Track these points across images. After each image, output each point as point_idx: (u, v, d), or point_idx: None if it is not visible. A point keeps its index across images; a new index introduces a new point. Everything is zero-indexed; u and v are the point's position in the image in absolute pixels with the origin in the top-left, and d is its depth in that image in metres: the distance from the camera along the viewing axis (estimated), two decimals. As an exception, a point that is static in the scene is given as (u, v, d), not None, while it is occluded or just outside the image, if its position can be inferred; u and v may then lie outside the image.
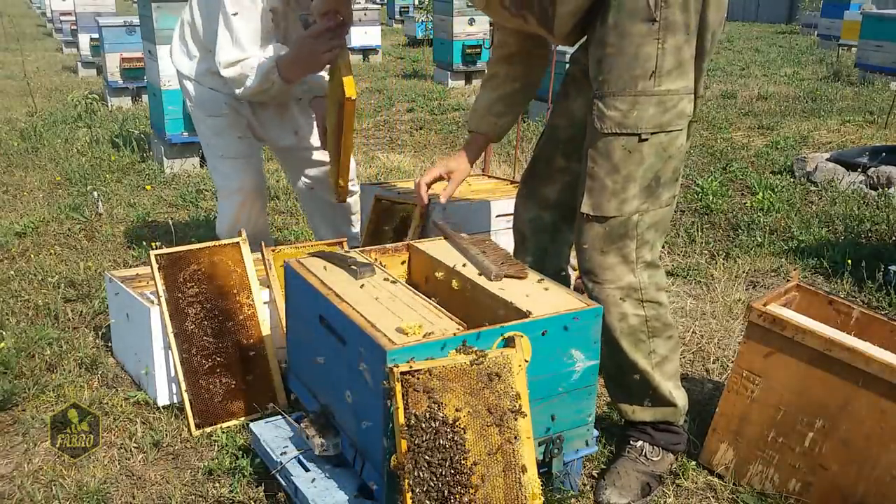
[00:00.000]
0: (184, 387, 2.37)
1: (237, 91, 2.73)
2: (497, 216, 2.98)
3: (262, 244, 2.63)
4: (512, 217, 2.47)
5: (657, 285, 2.07)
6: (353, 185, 3.19)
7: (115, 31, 7.73)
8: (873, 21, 8.94)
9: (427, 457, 1.57)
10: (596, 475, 2.19)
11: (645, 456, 2.15)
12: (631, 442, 2.18)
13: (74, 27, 11.29)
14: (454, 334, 1.70)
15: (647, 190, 1.97)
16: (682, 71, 1.92)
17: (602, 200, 1.97)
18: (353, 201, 3.22)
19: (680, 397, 2.17)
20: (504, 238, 2.89)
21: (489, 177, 3.64)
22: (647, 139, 1.92)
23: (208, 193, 4.93)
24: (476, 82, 9.76)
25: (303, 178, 3.19)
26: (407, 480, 1.56)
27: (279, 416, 2.19)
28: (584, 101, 2.16)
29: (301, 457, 2.00)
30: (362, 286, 1.97)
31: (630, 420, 2.19)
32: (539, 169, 2.32)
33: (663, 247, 2.33)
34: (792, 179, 5.16)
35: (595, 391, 1.95)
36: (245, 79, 2.66)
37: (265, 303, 2.55)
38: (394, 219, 2.94)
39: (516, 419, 1.65)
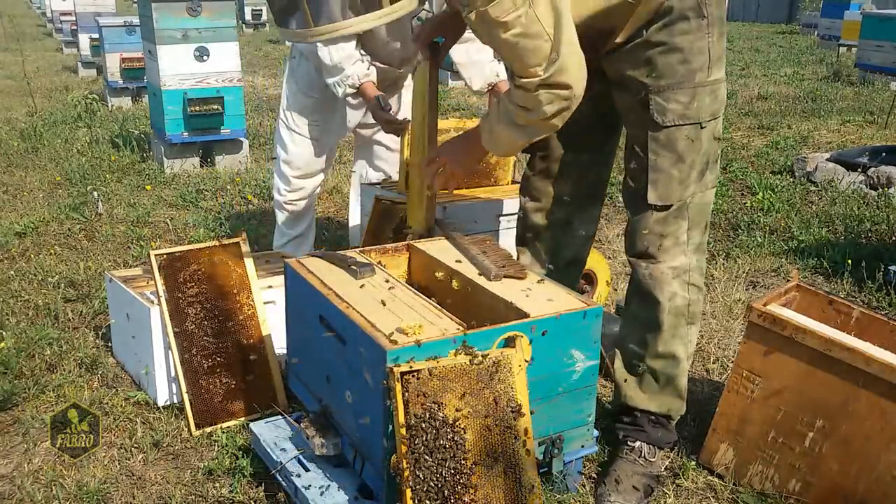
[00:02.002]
0: (184, 387, 2.37)
1: (327, 80, 2.88)
2: (498, 216, 2.98)
3: None
4: (517, 216, 2.47)
5: (700, 270, 2.14)
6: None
7: (115, 31, 7.74)
8: (873, 21, 8.94)
9: (427, 457, 1.57)
10: (596, 475, 2.19)
11: (644, 457, 2.15)
12: (628, 443, 2.18)
13: (74, 27, 11.28)
14: (454, 334, 1.70)
15: (699, 174, 2.05)
16: (721, 61, 2.02)
17: (669, 190, 2.04)
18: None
19: (685, 394, 2.21)
20: (506, 238, 2.89)
21: (489, 177, 3.62)
22: (705, 127, 2.00)
23: (208, 193, 4.93)
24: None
25: (369, 169, 3.39)
26: (407, 480, 1.56)
27: (279, 416, 2.19)
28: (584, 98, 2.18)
29: (301, 457, 2.00)
30: (362, 286, 1.97)
31: (634, 406, 2.18)
32: (549, 167, 2.31)
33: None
34: (792, 179, 5.15)
35: (595, 391, 1.95)
36: (337, 72, 2.85)
37: (265, 303, 2.55)
38: (394, 219, 2.94)
39: (516, 419, 1.65)
